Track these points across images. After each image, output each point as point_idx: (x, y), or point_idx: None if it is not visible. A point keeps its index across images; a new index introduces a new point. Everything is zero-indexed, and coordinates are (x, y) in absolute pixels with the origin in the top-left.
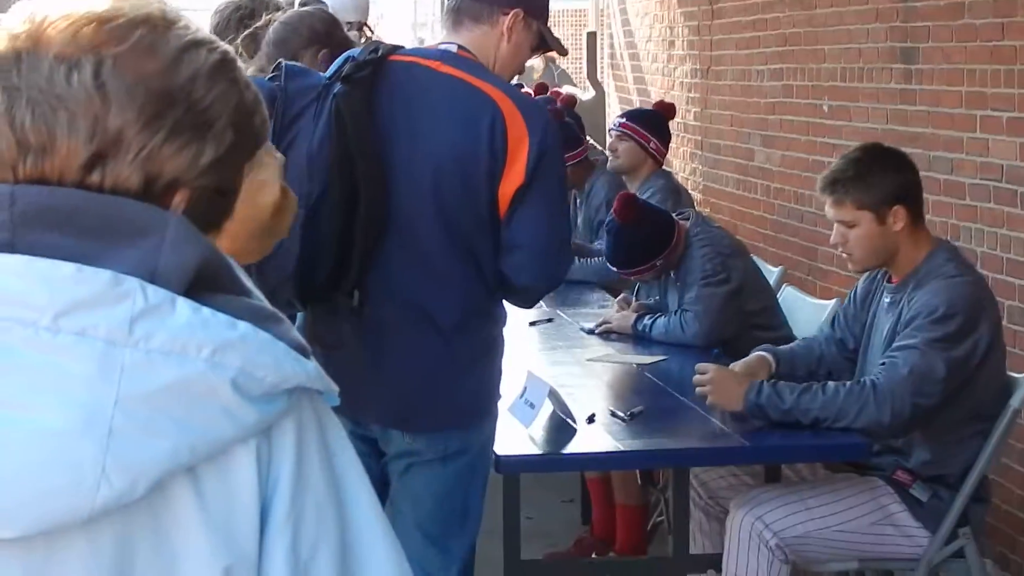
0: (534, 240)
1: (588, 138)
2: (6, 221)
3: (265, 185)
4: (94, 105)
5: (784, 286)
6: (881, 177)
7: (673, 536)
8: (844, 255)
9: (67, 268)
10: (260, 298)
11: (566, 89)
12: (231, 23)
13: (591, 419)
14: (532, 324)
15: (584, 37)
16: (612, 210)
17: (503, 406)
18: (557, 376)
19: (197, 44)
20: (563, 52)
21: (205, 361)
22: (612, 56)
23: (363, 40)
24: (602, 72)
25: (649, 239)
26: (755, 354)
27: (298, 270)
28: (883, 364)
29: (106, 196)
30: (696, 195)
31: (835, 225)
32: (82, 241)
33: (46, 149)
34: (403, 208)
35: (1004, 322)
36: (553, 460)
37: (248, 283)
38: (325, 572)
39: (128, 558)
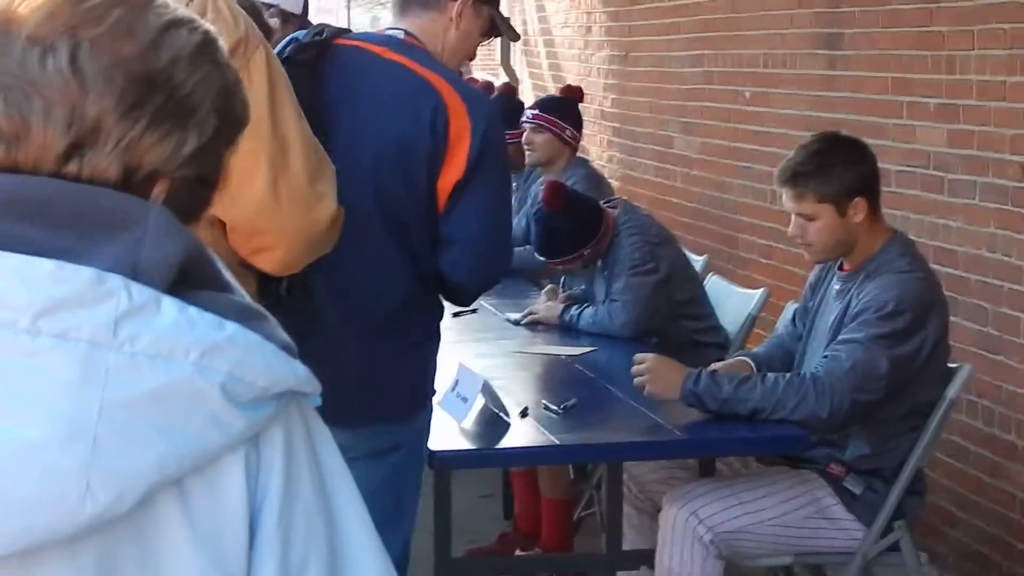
0: (471, 236)
1: None
2: None
3: (325, 197)
4: (71, 92)
5: (710, 275)
6: (843, 169)
7: (606, 532)
8: (802, 246)
9: (46, 265)
10: (243, 294)
11: (479, 76)
12: None
13: (524, 413)
14: (456, 315)
15: None
16: (540, 198)
17: (435, 400)
18: (486, 368)
19: (177, 23)
20: (515, 38)
21: (193, 365)
22: (526, 42)
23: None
24: (515, 58)
25: (577, 228)
26: (736, 358)
27: None
28: (826, 357)
29: (81, 185)
30: (614, 183)
31: (793, 217)
32: (57, 234)
33: (19, 138)
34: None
35: None
36: (488, 455)
37: (230, 278)
38: None
39: None
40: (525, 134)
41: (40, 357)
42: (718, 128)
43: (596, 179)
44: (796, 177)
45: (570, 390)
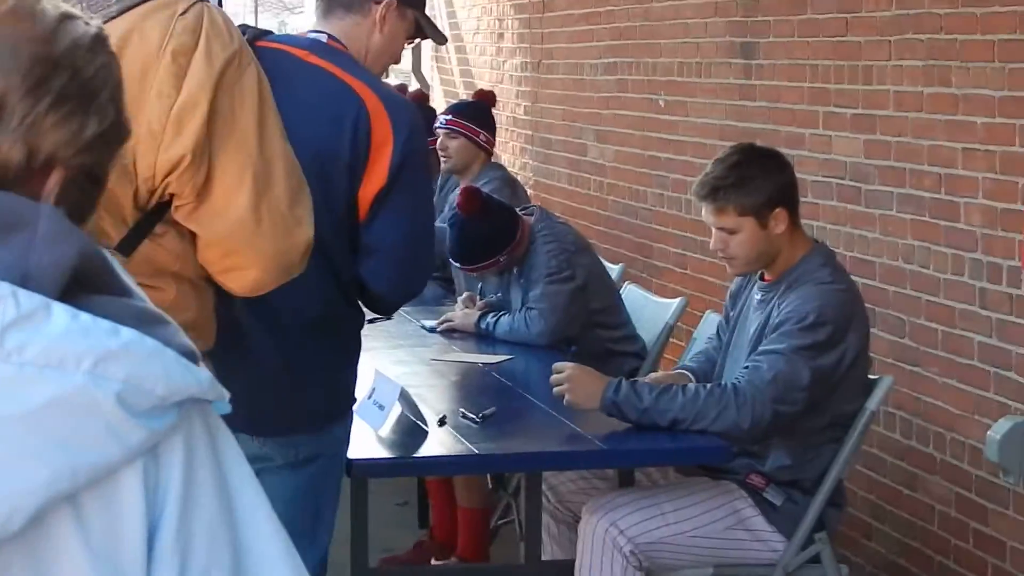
0: (392, 246)
1: None
2: None
3: (303, 222)
4: None
5: (626, 284)
6: (762, 181)
7: (525, 542)
8: (724, 259)
9: None
10: (143, 297)
11: (391, 82)
12: None
13: (442, 421)
14: (371, 321)
15: None
16: (455, 204)
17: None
18: (403, 376)
19: (72, 16)
20: (442, 41)
21: (86, 374)
22: (437, 49)
23: None
24: (426, 65)
25: (493, 234)
26: (676, 371)
27: None
28: (747, 368)
29: None
30: (527, 190)
31: (714, 231)
32: None
33: None
34: None
35: None
36: (405, 464)
37: (128, 281)
38: None
39: None
40: (439, 140)
41: None
42: (632, 136)
43: (512, 183)
44: (716, 191)
45: (488, 399)
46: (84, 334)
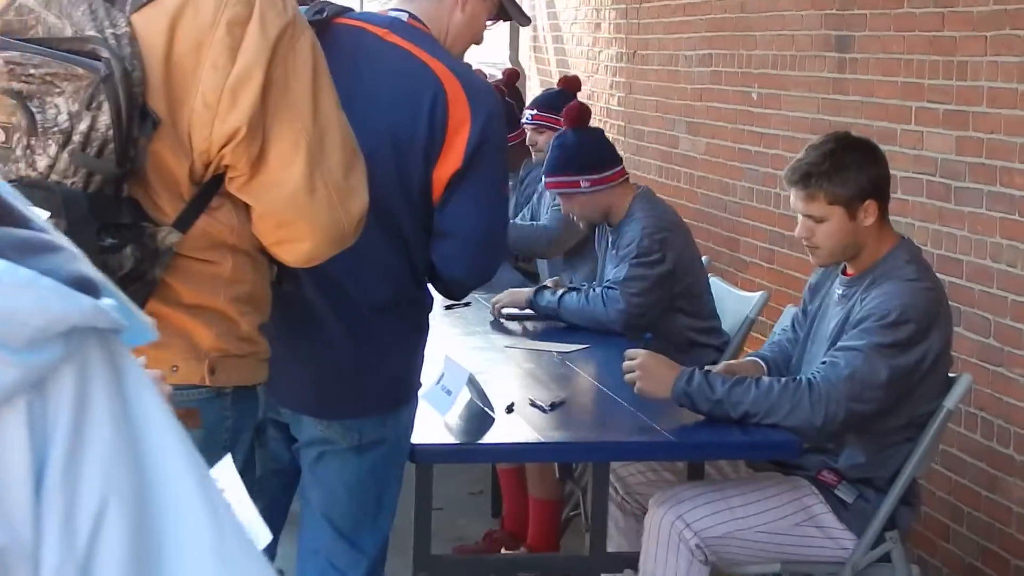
0: (466, 229)
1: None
2: None
3: (357, 191)
4: None
5: (709, 276)
6: (856, 171)
7: (591, 533)
8: (808, 248)
9: None
10: (42, 227)
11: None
12: None
13: (510, 408)
14: (448, 308)
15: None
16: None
17: (420, 393)
18: (474, 362)
19: None
20: (525, 22)
21: None
22: (535, 39)
23: None
24: (524, 54)
25: (585, 152)
26: (748, 359)
27: None
28: (824, 363)
29: None
30: None
31: (801, 218)
32: None
33: None
34: None
35: None
36: (470, 450)
37: (27, 211)
38: (113, 549)
39: None
40: (528, 135)
41: None
42: (724, 129)
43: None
44: (808, 177)
45: (559, 387)
46: None
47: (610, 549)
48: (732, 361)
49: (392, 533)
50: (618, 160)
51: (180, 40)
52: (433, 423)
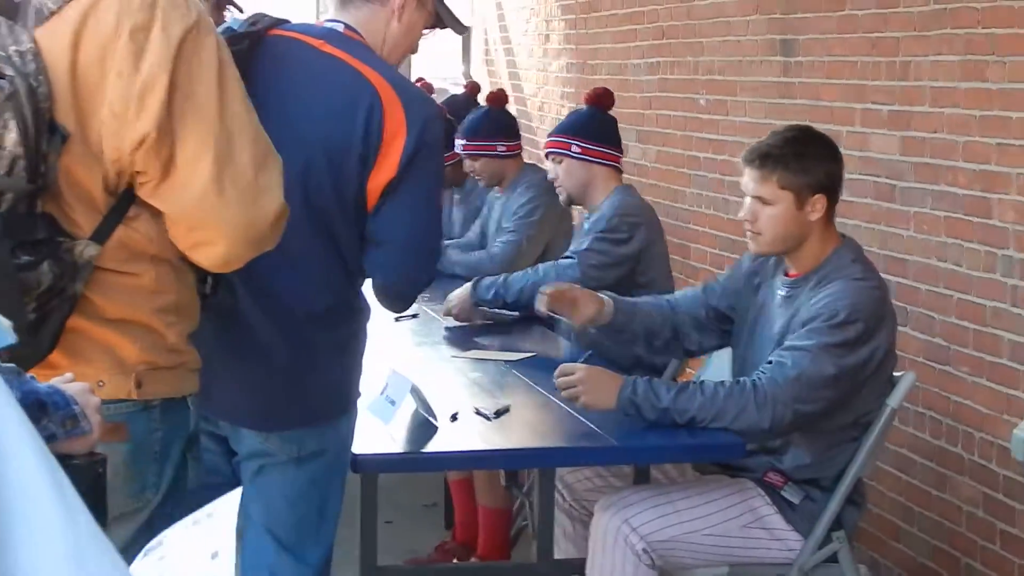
0: (397, 237)
1: None
2: None
3: (270, 191)
4: None
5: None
6: (815, 163)
7: (537, 540)
8: (750, 234)
9: None
10: None
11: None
12: None
13: (454, 417)
14: (397, 319)
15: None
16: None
17: (363, 404)
18: (420, 373)
19: None
20: (461, 31)
21: None
22: (487, 52)
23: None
24: (476, 68)
25: (588, 122)
26: (605, 294)
27: None
28: (770, 363)
29: None
30: None
31: (749, 200)
32: None
33: None
34: None
35: None
36: (413, 459)
37: None
38: None
39: None
40: (465, 163)
41: None
42: (673, 136)
43: (550, 188)
44: (766, 158)
45: (505, 395)
46: None
47: (559, 556)
48: (566, 286)
49: (342, 545)
50: (618, 146)
51: (84, 52)
52: (377, 433)
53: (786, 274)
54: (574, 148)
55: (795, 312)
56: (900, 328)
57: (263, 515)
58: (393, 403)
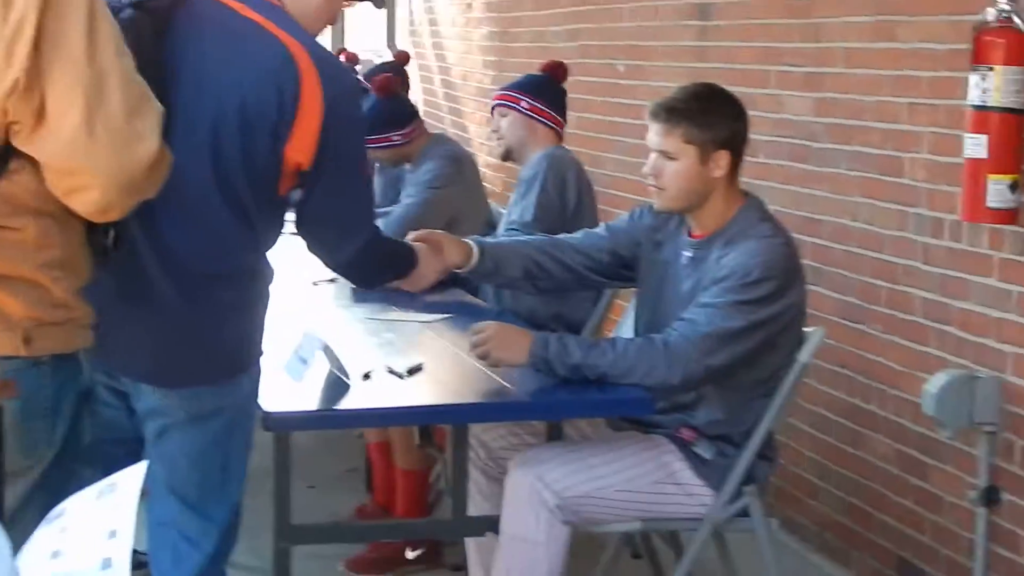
0: (317, 216)
1: None
2: None
3: (145, 137)
4: None
5: None
6: (719, 119)
7: (452, 497)
8: (653, 189)
9: None
10: None
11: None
12: None
13: (367, 376)
14: (315, 284)
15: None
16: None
17: (277, 364)
18: (334, 334)
19: None
20: (380, 4)
21: None
22: (412, 23)
23: None
24: (401, 38)
25: (540, 86)
26: (472, 240)
27: None
28: (682, 320)
29: None
30: (492, 160)
31: (653, 154)
32: None
33: None
34: (177, 151)
35: None
36: (325, 417)
37: None
38: None
39: None
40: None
41: None
42: (593, 103)
43: (456, 159)
44: (670, 111)
45: (418, 355)
46: None
47: (474, 513)
48: (428, 232)
49: (265, 509)
50: (563, 114)
51: None
52: (288, 392)
53: (690, 235)
54: (523, 104)
55: (703, 273)
56: (815, 288)
57: (166, 474)
58: (304, 362)
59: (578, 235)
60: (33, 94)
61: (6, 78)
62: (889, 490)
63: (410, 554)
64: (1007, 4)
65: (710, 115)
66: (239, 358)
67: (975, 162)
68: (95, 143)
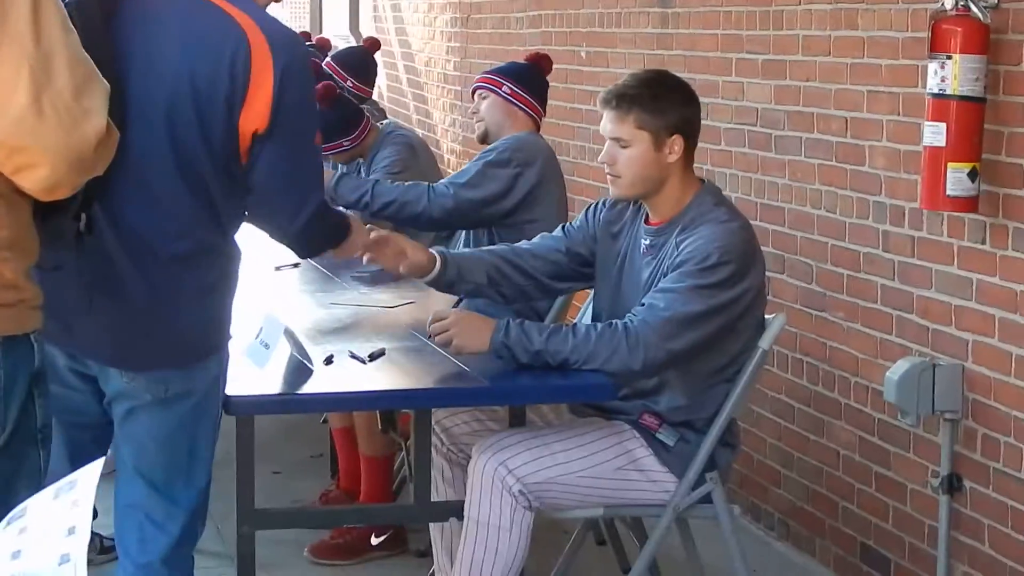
0: (269, 181)
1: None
2: None
3: (92, 114)
4: None
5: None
6: (669, 103)
7: (415, 483)
8: (610, 178)
9: None
10: None
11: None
12: None
13: (329, 360)
14: (277, 269)
15: None
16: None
17: (239, 349)
18: (297, 319)
19: None
20: None
21: None
22: (375, 8)
23: None
24: (364, 24)
25: (527, 72)
26: (438, 248)
27: None
28: (643, 305)
29: None
30: (456, 146)
31: (607, 143)
32: None
33: None
34: (133, 132)
35: None
36: (285, 400)
37: None
38: None
39: None
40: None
41: None
42: (556, 89)
43: (412, 148)
44: (622, 98)
45: (381, 340)
46: None
47: (437, 499)
48: (391, 235)
49: (225, 492)
50: (543, 104)
51: None
52: (251, 376)
53: (647, 222)
54: (504, 88)
55: (662, 260)
56: (776, 275)
57: (133, 456)
58: (267, 346)
59: (535, 240)
60: None
61: None
62: (852, 478)
63: (375, 540)
64: None
65: (661, 100)
66: (207, 341)
67: (934, 150)
68: (43, 122)
